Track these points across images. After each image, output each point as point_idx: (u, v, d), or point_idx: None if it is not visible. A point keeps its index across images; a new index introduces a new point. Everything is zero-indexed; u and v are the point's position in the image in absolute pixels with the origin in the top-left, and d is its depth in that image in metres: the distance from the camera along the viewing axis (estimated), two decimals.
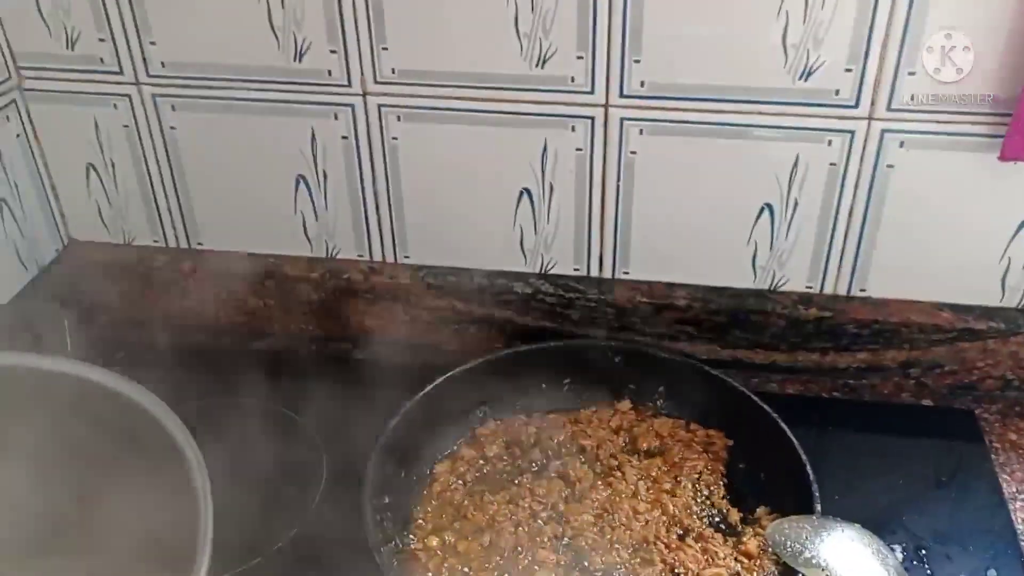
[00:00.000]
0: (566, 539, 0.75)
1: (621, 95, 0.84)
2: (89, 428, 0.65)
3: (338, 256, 1.00)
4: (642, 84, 0.83)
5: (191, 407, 0.65)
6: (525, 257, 0.96)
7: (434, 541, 0.75)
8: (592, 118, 0.86)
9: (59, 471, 0.66)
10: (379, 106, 0.89)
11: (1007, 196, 0.83)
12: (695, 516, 0.78)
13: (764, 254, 0.91)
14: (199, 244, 1.02)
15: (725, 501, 0.79)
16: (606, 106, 0.85)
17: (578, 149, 0.88)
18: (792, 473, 0.76)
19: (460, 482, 0.81)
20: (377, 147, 0.92)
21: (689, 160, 0.86)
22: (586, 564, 0.73)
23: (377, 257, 0.99)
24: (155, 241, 1.03)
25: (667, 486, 0.79)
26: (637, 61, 0.82)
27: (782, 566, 0.72)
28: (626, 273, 0.95)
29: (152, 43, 0.90)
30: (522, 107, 0.86)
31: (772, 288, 0.93)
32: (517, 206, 0.92)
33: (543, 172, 0.90)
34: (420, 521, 0.78)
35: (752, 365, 0.94)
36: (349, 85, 0.89)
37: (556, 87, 0.85)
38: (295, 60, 0.88)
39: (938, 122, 0.80)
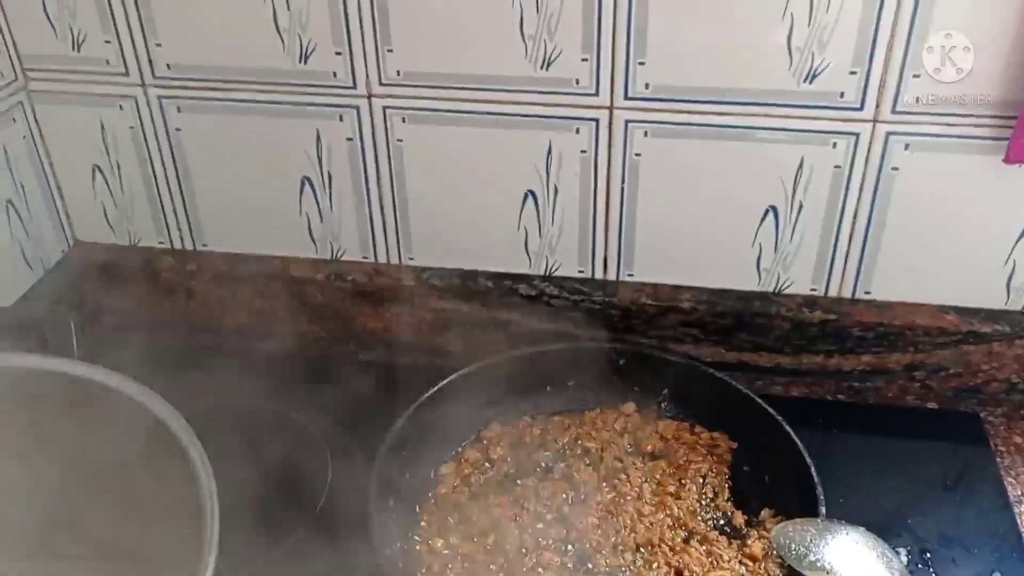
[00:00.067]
0: (571, 541, 0.75)
1: (626, 97, 0.84)
2: (94, 429, 0.65)
3: (343, 258, 1.00)
4: (647, 86, 0.83)
5: (196, 408, 0.65)
6: (530, 259, 0.96)
7: (439, 543, 0.75)
8: (597, 120, 0.86)
9: (64, 472, 0.66)
10: (384, 108, 0.89)
11: (1012, 198, 0.83)
12: (700, 519, 0.78)
13: (769, 256, 0.91)
14: (204, 245, 1.02)
15: (729, 504, 0.79)
16: (611, 108, 0.85)
17: (583, 151, 0.88)
18: (797, 476, 0.76)
19: (465, 484, 0.81)
20: (382, 149, 0.92)
21: (693, 162, 0.86)
22: (590, 566, 0.73)
23: (382, 259, 0.99)
24: (160, 242, 1.03)
25: (672, 488, 0.79)
26: (642, 63, 0.82)
27: (787, 569, 0.72)
28: (631, 275, 0.95)
29: (158, 45, 0.90)
30: (526, 109, 0.86)
31: (777, 291, 0.92)
32: (522, 208, 0.92)
33: (547, 174, 0.90)
34: (425, 523, 0.78)
35: (757, 368, 0.94)
36: (354, 87, 0.89)
37: (561, 89, 0.85)
38: (300, 62, 0.88)
39: (943, 124, 0.80)
